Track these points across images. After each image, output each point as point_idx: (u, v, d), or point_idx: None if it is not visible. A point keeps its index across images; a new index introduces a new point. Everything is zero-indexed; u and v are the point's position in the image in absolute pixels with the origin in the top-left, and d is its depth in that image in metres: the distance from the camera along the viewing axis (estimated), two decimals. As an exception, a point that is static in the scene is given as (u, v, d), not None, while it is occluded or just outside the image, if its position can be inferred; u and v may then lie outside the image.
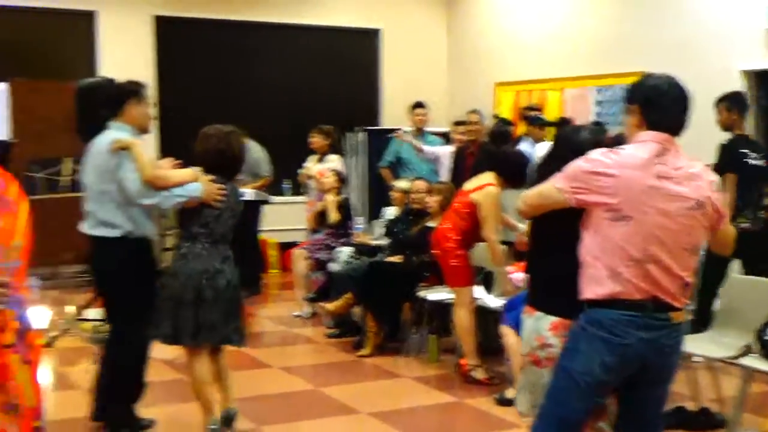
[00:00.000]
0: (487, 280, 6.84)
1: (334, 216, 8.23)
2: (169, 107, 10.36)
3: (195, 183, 4.80)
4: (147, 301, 5.01)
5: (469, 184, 6.40)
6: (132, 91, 5.15)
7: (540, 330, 3.58)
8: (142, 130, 5.16)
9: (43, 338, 2.80)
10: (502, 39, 11.87)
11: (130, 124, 5.08)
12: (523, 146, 8.51)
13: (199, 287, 4.76)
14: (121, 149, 4.87)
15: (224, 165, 4.93)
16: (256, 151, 9.41)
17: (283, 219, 10.84)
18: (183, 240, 4.90)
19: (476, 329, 6.46)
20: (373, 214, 10.60)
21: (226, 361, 5.15)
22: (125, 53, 10.85)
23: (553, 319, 3.56)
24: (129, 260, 5.03)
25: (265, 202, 9.66)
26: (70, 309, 7.80)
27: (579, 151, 3.43)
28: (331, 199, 8.30)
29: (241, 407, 5.53)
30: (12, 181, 2.84)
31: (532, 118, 9.26)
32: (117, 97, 5.18)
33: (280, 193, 11.39)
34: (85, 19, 10.91)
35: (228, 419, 5.01)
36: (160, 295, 4.90)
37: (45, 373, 6.77)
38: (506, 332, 5.66)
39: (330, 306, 7.44)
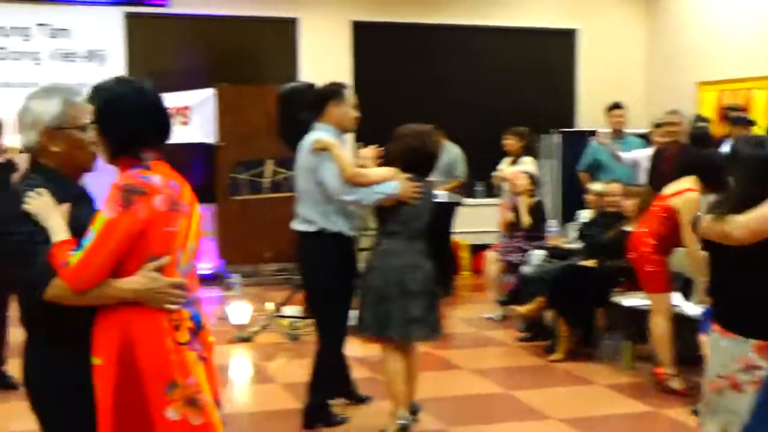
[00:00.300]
0: (686, 288, 6.58)
1: (526, 219, 8.15)
2: (365, 110, 10.52)
3: (392, 181, 4.92)
4: (344, 297, 5.18)
5: (668, 189, 6.18)
6: (332, 92, 5.31)
7: (743, 352, 3.43)
8: (345, 129, 5.31)
9: (211, 336, 2.92)
10: (705, 36, 11.39)
11: (332, 124, 5.25)
12: (726, 149, 8.12)
13: (401, 282, 4.91)
14: (322, 149, 5.04)
15: (419, 163, 5.04)
16: (451, 152, 9.46)
17: (476, 221, 10.83)
18: (382, 237, 5.06)
19: (674, 337, 6.23)
20: (567, 217, 10.41)
21: (417, 360, 5.22)
22: (324, 58, 11.17)
23: (756, 341, 3.40)
24: (325, 255, 5.21)
25: (458, 204, 9.69)
26: (270, 306, 8.10)
27: None
28: (523, 201, 8.22)
29: (431, 407, 5.58)
30: (185, 184, 2.99)
31: (736, 118, 8.83)
32: (319, 99, 5.35)
33: (473, 195, 11.39)
34: (288, 26, 11.31)
35: (413, 413, 5.12)
36: (362, 291, 5.05)
37: (245, 366, 7.07)
38: (706, 342, 5.43)
39: (522, 309, 7.37)
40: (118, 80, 2.97)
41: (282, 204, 10.12)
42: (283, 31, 11.34)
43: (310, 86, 7.92)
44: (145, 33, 10.85)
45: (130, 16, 10.71)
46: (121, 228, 2.73)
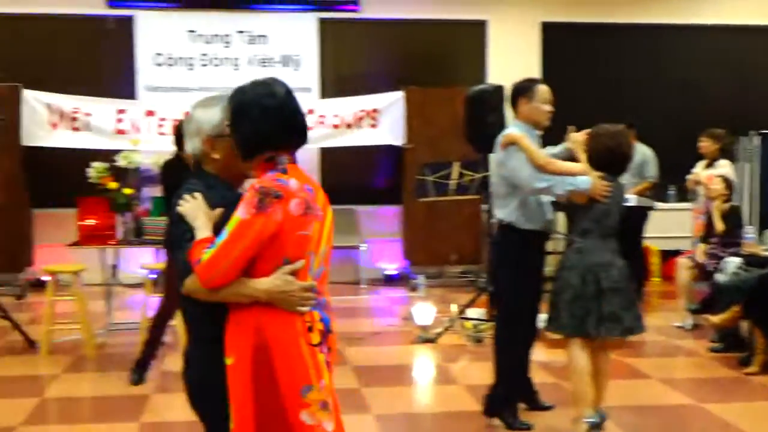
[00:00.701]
0: None
1: (719, 225, 7.83)
2: (555, 110, 10.41)
3: (585, 176, 4.92)
4: (532, 294, 5.17)
5: None
6: (523, 88, 5.33)
7: None
8: (537, 125, 5.30)
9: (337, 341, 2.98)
10: None
11: (523, 120, 5.28)
12: None
13: (597, 279, 4.91)
14: (509, 143, 5.10)
15: (612, 163, 5.00)
16: (643, 153, 9.21)
17: (667, 226, 10.49)
18: (575, 235, 5.04)
19: None
20: (766, 223, 9.92)
21: (609, 365, 5.13)
22: (513, 59, 11.11)
23: None
24: (512, 249, 5.27)
25: (650, 208, 9.40)
26: (454, 308, 8.13)
27: None
28: (718, 206, 7.90)
29: (617, 416, 5.45)
30: (319, 188, 3.03)
31: None
32: (511, 96, 5.38)
33: (665, 199, 11.03)
34: (477, 28, 11.33)
35: (600, 420, 5.02)
36: (555, 290, 5.03)
37: (428, 367, 7.13)
38: None
39: (715, 319, 7.07)
40: (253, 83, 2.99)
41: (467, 206, 10.19)
42: (472, 34, 11.37)
43: (498, 88, 7.91)
44: (337, 38, 11.14)
45: (323, 22, 11.03)
46: (253, 229, 2.79)
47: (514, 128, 5.24)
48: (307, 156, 10.90)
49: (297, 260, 2.87)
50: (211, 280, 2.81)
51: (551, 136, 5.48)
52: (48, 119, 10.02)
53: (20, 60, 10.54)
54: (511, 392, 5.45)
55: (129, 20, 10.71)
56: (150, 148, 9.36)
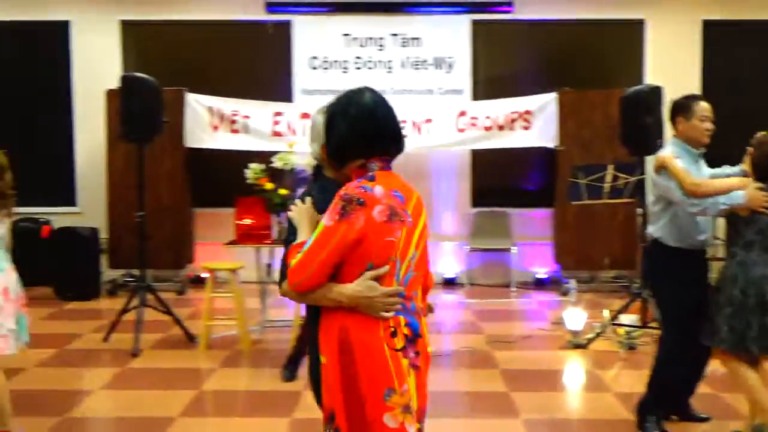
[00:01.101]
0: None
1: None
2: (717, 113, 10.05)
3: (739, 191, 4.78)
4: (693, 308, 5.02)
5: None
6: (680, 106, 5.23)
7: None
8: (695, 144, 5.15)
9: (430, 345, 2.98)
10: None
11: (681, 138, 5.18)
12: None
13: (759, 293, 4.76)
14: (661, 167, 5.05)
15: None
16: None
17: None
18: (738, 248, 4.90)
19: None
20: None
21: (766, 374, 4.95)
22: (672, 60, 10.79)
23: None
24: (661, 263, 5.20)
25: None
26: (606, 313, 7.96)
27: None
28: None
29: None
30: (412, 195, 3.04)
31: None
32: (670, 113, 5.30)
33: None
34: (634, 28, 11.04)
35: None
36: (716, 304, 4.90)
37: (578, 373, 7.00)
38: None
39: None
40: (345, 92, 3.06)
41: (621, 210, 9.96)
42: (629, 33, 11.09)
43: (655, 89, 7.71)
44: (490, 39, 11.09)
45: (476, 24, 11.00)
46: (336, 235, 2.86)
47: (670, 147, 5.19)
48: (459, 158, 10.92)
49: (381, 266, 2.91)
50: (299, 283, 2.91)
51: (724, 145, 5.30)
52: (209, 122, 10.40)
53: (184, 65, 10.98)
54: (659, 403, 5.31)
55: (287, 25, 10.98)
56: (305, 150, 9.55)
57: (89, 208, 10.89)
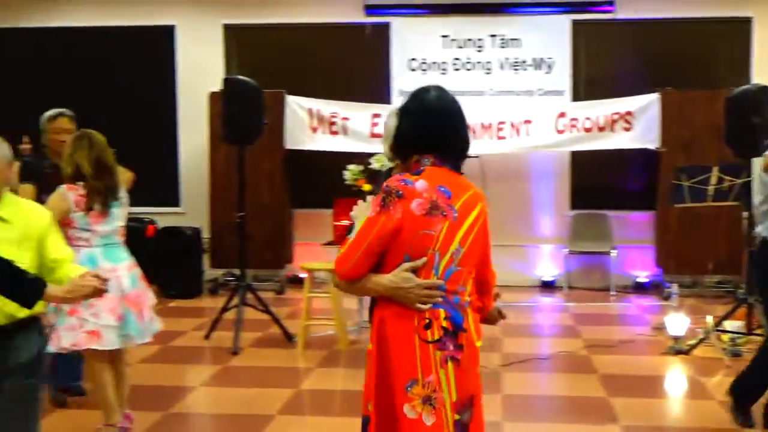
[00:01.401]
0: None
1: None
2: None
3: None
4: None
5: None
6: None
7: None
8: None
9: (478, 341, 3.01)
10: None
11: None
12: None
13: None
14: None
15: None
16: None
17: None
18: None
19: None
20: None
21: None
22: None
23: None
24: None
25: None
26: (709, 319, 7.76)
27: None
28: None
29: None
30: (465, 191, 3.06)
31: None
32: None
33: None
34: (741, 26, 10.73)
35: None
36: None
37: (679, 380, 6.85)
38: None
39: None
40: (417, 89, 3.19)
41: (726, 214, 9.68)
42: (735, 32, 10.78)
43: (763, 89, 7.49)
44: (590, 39, 10.92)
45: (576, 24, 10.85)
46: (376, 226, 2.96)
47: None
48: (558, 159, 10.79)
49: (418, 258, 2.96)
50: (343, 273, 3.03)
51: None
52: (309, 123, 10.52)
53: (284, 67, 11.14)
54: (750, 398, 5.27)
55: (385, 27, 11.03)
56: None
57: (192, 208, 11.14)
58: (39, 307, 3.52)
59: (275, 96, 10.12)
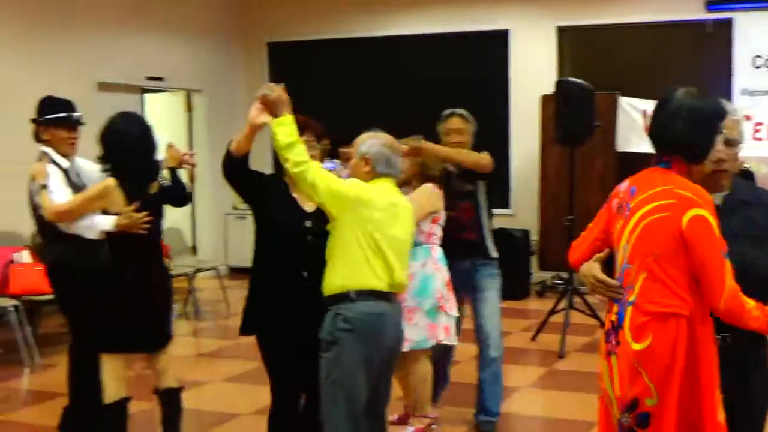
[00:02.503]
0: None
1: None
2: None
3: None
4: None
5: None
6: None
7: None
8: None
9: (643, 342, 2.94)
10: None
11: None
12: None
13: None
14: None
15: None
16: None
17: None
18: None
19: None
20: None
21: None
22: None
23: None
24: None
25: None
26: None
27: None
28: None
29: None
30: (650, 188, 3.04)
31: None
32: None
33: None
34: None
35: None
36: None
37: None
38: None
39: None
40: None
41: None
42: None
43: None
44: None
45: None
46: (597, 218, 3.37)
47: None
48: None
49: (611, 250, 3.22)
50: (572, 262, 3.42)
51: None
52: (642, 125, 10.22)
53: (617, 68, 10.92)
54: None
55: (727, 23, 10.46)
56: (747, 153, 9.04)
57: (522, 210, 11.23)
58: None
59: (608, 97, 9.92)
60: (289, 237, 4.03)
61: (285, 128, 3.70)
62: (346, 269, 3.79)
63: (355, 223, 3.77)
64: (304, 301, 3.93)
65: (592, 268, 3.20)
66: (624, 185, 3.21)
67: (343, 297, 3.78)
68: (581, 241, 3.38)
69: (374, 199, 3.84)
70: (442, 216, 5.34)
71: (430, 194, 5.22)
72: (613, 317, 3.09)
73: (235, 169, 3.94)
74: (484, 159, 5.53)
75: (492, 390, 5.55)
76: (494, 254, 5.60)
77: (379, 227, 3.80)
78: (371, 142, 4.00)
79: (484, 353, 5.51)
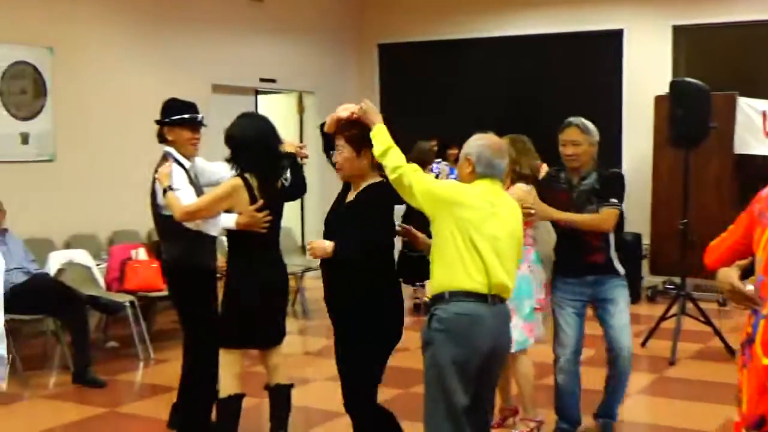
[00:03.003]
0: None
1: None
2: None
3: None
4: None
5: None
6: None
7: None
8: None
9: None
10: None
11: None
12: None
13: None
14: None
15: None
16: None
17: None
18: None
19: None
20: None
21: None
22: None
23: None
24: None
25: None
26: None
27: None
28: None
29: None
30: None
31: None
32: None
33: None
34: None
35: None
36: None
37: None
38: None
39: None
40: None
41: None
42: None
43: None
44: None
45: None
46: (741, 222, 3.20)
47: None
48: None
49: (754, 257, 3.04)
50: (707, 264, 3.42)
51: None
52: (762, 127, 9.90)
53: (736, 68, 10.61)
54: None
55: None
56: None
57: (633, 212, 10.97)
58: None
59: (725, 98, 9.65)
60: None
61: (378, 137, 3.88)
62: (443, 270, 3.84)
63: (452, 223, 3.80)
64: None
65: (730, 275, 3.10)
66: (766, 191, 3.07)
67: (439, 298, 3.83)
68: (719, 243, 3.31)
69: (469, 200, 3.86)
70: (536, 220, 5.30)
71: (520, 195, 5.15)
72: (749, 329, 2.99)
73: None
74: (606, 223, 5.30)
75: (619, 394, 5.60)
76: (622, 271, 5.50)
77: (477, 227, 3.80)
78: (475, 143, 4.02)
79: (617, 363, 5.47)
